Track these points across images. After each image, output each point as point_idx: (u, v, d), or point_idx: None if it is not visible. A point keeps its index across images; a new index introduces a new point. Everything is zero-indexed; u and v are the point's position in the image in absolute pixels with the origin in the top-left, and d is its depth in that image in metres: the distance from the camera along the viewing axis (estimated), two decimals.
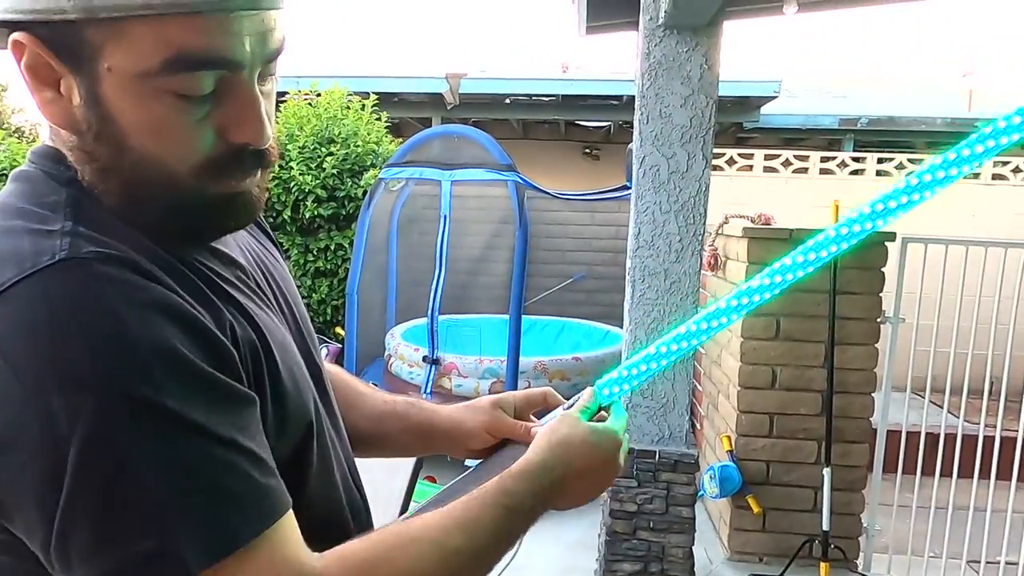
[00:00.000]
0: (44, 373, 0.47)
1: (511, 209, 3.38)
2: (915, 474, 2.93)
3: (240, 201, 0.60)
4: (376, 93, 5.08)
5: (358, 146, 4.56)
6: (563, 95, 6.25)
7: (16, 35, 0.52)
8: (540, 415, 0.84)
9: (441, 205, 3.55)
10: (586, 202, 4.54)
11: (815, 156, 5.22)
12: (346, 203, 4.53)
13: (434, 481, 3.50)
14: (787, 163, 5.20)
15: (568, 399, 0.81)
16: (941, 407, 3.13)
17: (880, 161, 5.32)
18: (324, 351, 4.27)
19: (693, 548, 2.24)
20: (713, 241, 3.21)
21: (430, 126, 5.54)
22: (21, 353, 0.48)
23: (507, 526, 0.64)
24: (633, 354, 0.77)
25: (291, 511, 0.55)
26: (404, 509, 1.79)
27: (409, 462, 1.83)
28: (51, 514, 0.47)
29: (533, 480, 0.67)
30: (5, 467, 0.48)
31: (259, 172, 0.61)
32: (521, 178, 3.34)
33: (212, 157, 0.56)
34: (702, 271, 3.49)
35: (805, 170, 5.21)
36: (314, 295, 4.65)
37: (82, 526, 0.47)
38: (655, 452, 2.16)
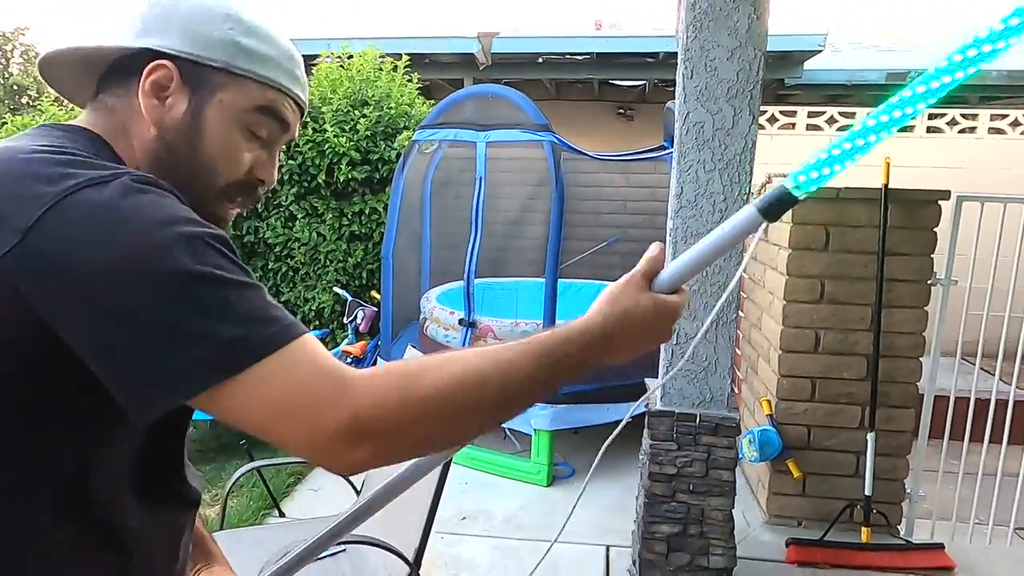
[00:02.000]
0: (146, 219, 0.61)
1: (547, 170, 3.32)
2: (962, 440, 2.86)
3: (219, 220, 0.80)
4: (408, 54, 5.01)
5: (391, 108, 4.52)
6: (597, 53, 6.09)
7: (166, 62, 0.73)
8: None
9: (476, 167, 3.51)
10: (621, 163, 4.45)
11: (861, 113, 5.01)
12: (380, 166, 4.51)
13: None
14: (832, 120, 5.01)
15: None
16: (992, 373, 3.03)
17: (932, 117, 5.08)
18: (361, 314, 4.31)
19: (732, 511, 2.23)
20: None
21: (462, 87, 5.45)
22: (132, 208, 0.61)
23: (544, 376, 0.68)
24: (832, 148, 0.71)
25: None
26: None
27: None
28: (148, 315, 0.58)
29: (582, 343, 0.71)
30: (119, 284, 0.58)
31: (250, 203, 0.83)
32: (557, 138, 3.27)
33: (239, 180, 0.79)
34: None
35: (850, 126, 5.02)
36: (349, 259, 4.67)
37: (172, 321, 0.58)
38: (696, 415, 2.14)
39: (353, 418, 0.59)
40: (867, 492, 2.68)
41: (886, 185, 2.60)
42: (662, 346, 2.19)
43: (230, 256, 0.64)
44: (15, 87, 13.59)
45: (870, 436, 2.67)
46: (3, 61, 13.77)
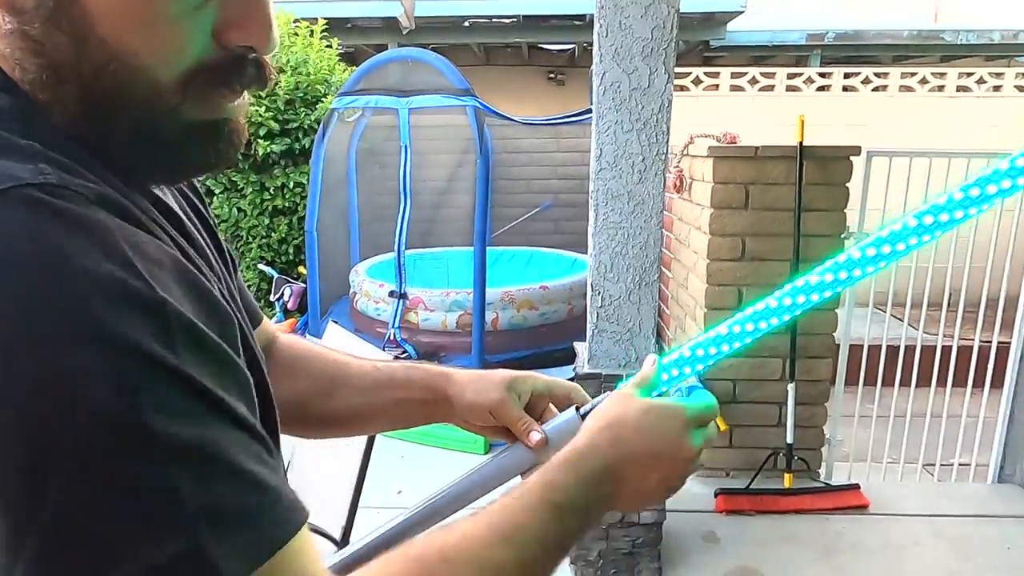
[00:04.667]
0: (37, 319, 0.35)
1: (472, 137, 3.26)
2: (875, 385, 3.01)
3: (226, 129, 0.48)
4: (325, 19, 4.80)
5: (309, 74, 4.34)
6: (524, 15, 6.00)
7: None
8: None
9: (400, 135, 3.41)
10: (550, 127, 4.42)
11: (781, 73, 5.13)
12: (300, 136, 4.34)
13: None
14: (753, 81, 5.10)
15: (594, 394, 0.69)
16: (902, 320, 3.19)
17: (847, 76, 5.24)
18: (288, 291, 4.18)
19: None
20: (679, 162, 3.15)
21: None
22: (12, 293, 0.35)
23: (558, 528, 0.52)
24: (705, 331, 0.68)
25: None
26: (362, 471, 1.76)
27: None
28: (39, 501, 0.35)
29: (580, 468, 0.55)
30: None
31: (251, 91, 0.49)
32: (480, 103, 3.21)
33: (205, 63, 0.44)
34: (667, 193, 3.45)
35: (772, 88, 5.12)
36: (273, 234, 4.52)
37: (90, 520, 0.35)
38: (622, 376, 2.15)
39: None
40: (789, 440, 2.80)
41: (801, 142, 2.66)
42: (588, 309, 2.19)
43: (202, 366, 0.39)
44: None
45: (790, 387, 2.77)
46: None
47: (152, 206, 0.48)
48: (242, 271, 3.90)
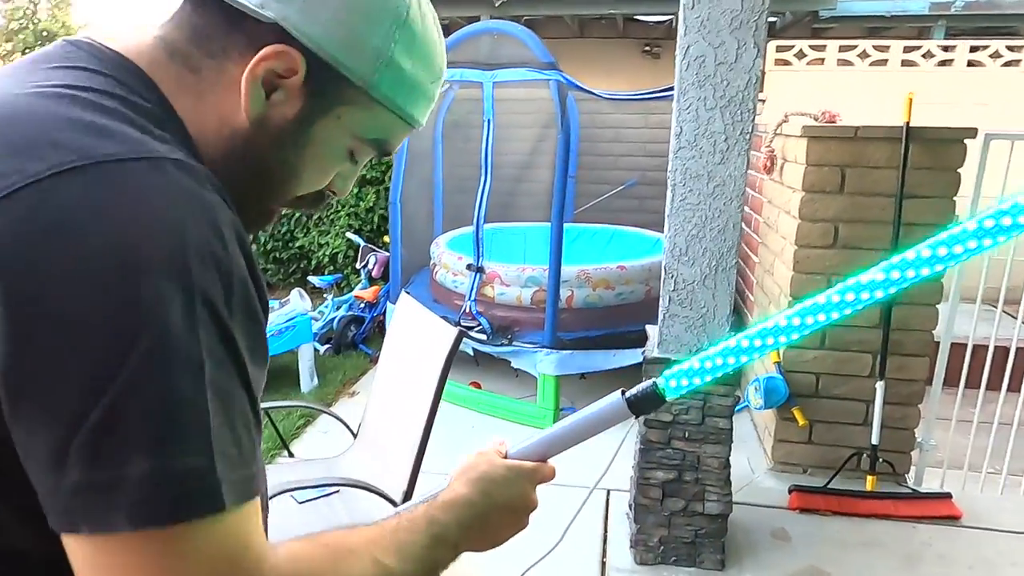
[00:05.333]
0: (143, 255, 0.44)
1: (555, 112, 3.21)
2: (979, 388, 2.78)
3: (273, 220, 0.69)
4: None
5: None
6: None
7: (294, 50, 0.56)
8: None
9: (484, 109, 3.41)
10: (640, 103, 4.28)
11: (897, 46, 4.72)
12: None
13: (479, 387, 3.57)
14: (864, 55, 4.73)
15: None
16: (1015, 318, 2.91)
17: (973, 50, 4.76)
18: (373, 259, 4.31)
19: (730, 458, 2.20)
20: (770, 142, 2.98)
21: None
22: (125, 229, 0.44)
23: (432, 555, 0.65)
24: (711, 345, 0.69)
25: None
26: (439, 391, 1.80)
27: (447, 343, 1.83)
28: (97, 398, 0.42)
29: (459, 511, 0.68)
30: (57, 340, 0.42)
31: (309, 211, 0.72)
32: (564, 77, 3.15)
33: (311, 194, 0.66)
34: (758, 174, 3.29)
35: (884, 63, 4.73)
36: (361, 203, 4.66)
37: (133, 420, 0.43)
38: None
39: None
40: (874, 441, 2.64)
41: (908, 123, 2.46)
42: (661, 293, 2.13)
43: (246, 327, 0.50)
44: (44, 32, 13.65)
45: (880, 384, 2.60)
46: (32, 6, 13.79)
47: None
48: (331, 238, 4.07)
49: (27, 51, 12.53)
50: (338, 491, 1.98)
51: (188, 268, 0.45)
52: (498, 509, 0.70)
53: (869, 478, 2.66)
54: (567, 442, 0.75)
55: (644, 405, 0.71)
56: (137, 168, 0.46)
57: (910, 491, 2.68)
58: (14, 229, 0.43)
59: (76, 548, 0.45)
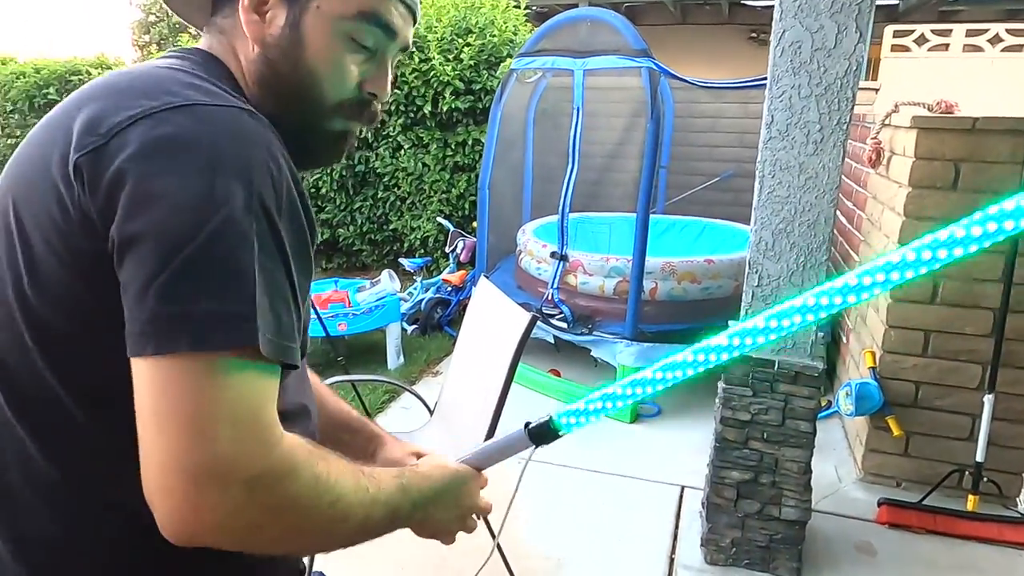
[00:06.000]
0: (226, 161, 0.59)
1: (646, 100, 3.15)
2: None
3: (346, 144, 0.79)
4: None
5: (494, 36, 4.44)
6: None
7: None
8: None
9: (574, 96, 3.39)
10: (739, 91, 4.12)
11: None
12: (483, 96, 4.49)
13: (559, 375, 3.58)
14: (996, 39, 4.32)
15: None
16: None
17: None
18: (461, 244, 4.41)
19: (813, 464, 2.11)
20: (878, 133, 2.80)
21: None
22: (217, 144, 0.60)
23: (396, 503, 0.72)
24: (601, 387, 0.79)
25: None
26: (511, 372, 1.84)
27: (515, 336, 1.86)
28: (178, 253, 0.56)
29: (431, 478, 0.79)
30: (158, 211, 0.57)
31: (367, 122, 0.78)
32: (656, 64, 3.08)
33: (350, 99, 0.75)
34: (864, 167, 3.09)
35: (1020, 47, 4.30)
36: (453, 190, 4.76)
37: (201, 272, 0.56)
38: (774, 362, 2.02)
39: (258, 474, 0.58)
40: (979, 458, 2.44)
41: None
42: (744, 288, 2.06)
43: (297, 227, 0.64)
44: (178, 25, 14.73)
45: (988, 398, 2.40)
46: None
47: None
48: (423, 222, 4.19)
49: (163, 41, 13.56)
50: None
51: (250, 175, 0.59)
52: (448, 493, 0.81)
53: (971, 498, 2.46)
54: (482, 464, 0.87)
55: (542, 437, 0.83)
56: (220, 111, 0.62)
57: (1019, 515, 2.46)
58: (140, 139, 0.59)
59: (140, 370, 0.57)
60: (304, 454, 0.62)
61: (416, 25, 0.79)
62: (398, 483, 0.73)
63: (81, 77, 6.21)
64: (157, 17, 14.63)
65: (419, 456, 0.98)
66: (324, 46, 0.71)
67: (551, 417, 0.82)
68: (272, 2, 0.70)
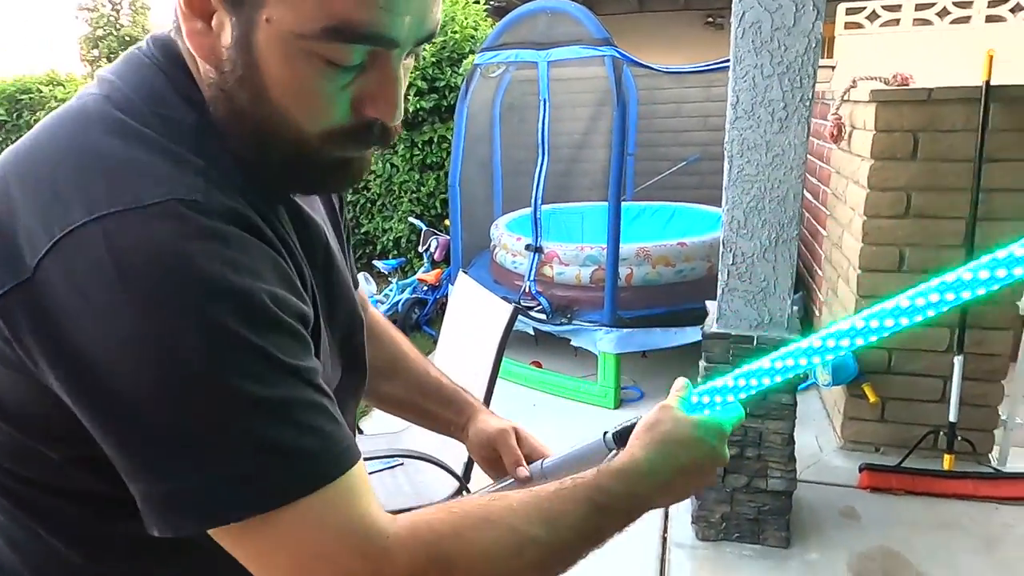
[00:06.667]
0: (159, 299, 0.48)
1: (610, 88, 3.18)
2: None
3: (353, 167, 0.61)
4: None
5: (455, 32, 4.44)
6: None
7: None
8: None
9: (540, 89, 3.41)
10: (700, 75, 4.18)
11: (981, 0, 4.41)
12: (447, 93, 4.48)
13: (540, 366, 3.60)
14: (944, 12, 4.44)
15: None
16: None
17: None
18: (435, 243, 4.40)
19: (796, 435, 2.16)
20: (837, 109, 2.86)
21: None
22: (142, 276, 0.48)
23: (595, 524, 0.60)
24: (748, 361, 0.69)
25: (362, 463, 0.55)
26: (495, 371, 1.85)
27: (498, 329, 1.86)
28: (147, 425, 0.48)
29: (635, 480, 0.63)
30: (116, 379, 0.48)
31: (379, 146, 0.60)
32: (619, 52, 3.11)
33: (342, 126, 0.56)
34: (826, 143, 3.16)
35: (967, 19, 4.43)
36: (423, 189, 4.74)
37: (175, 443, 0.49)
38: (753, 338, 2.06)
39: None
40: (952, 419, 2.52)
41: (987, 82, 2.31)
42: (719, 267, 2.10)
43: (286, 343, 0.52)
44: (127, 38, 14.40)
45: (958, 359, 2.48)
46: (114, 13, 14.58)
47: (286, 207, 0.62)
48: (394, 223, 4.16)
49: (112, 56, 13.25)
50: (402, 463, 2.05)
51: (201, 306, 0.48)
52: (683, 471, 0.65)
53: (947, 457, 2.55)
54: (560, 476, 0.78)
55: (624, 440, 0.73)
56: (140, 219, 0.48)
57: (993, 471, 2.55)
58: (59, 275, 0.48)
59: (223, 538, 0.51)
60: (422, 536, 0.54)
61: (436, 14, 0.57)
62: (590, 503, 0.61)
63: (32, 96, 6.04)
64: (105, 31, 14.30)
65: (521, 429, 0.89)
66: (286, 73, 0.52)
67: (634, 421, 0.74)
68: (216, 7, 0.52)
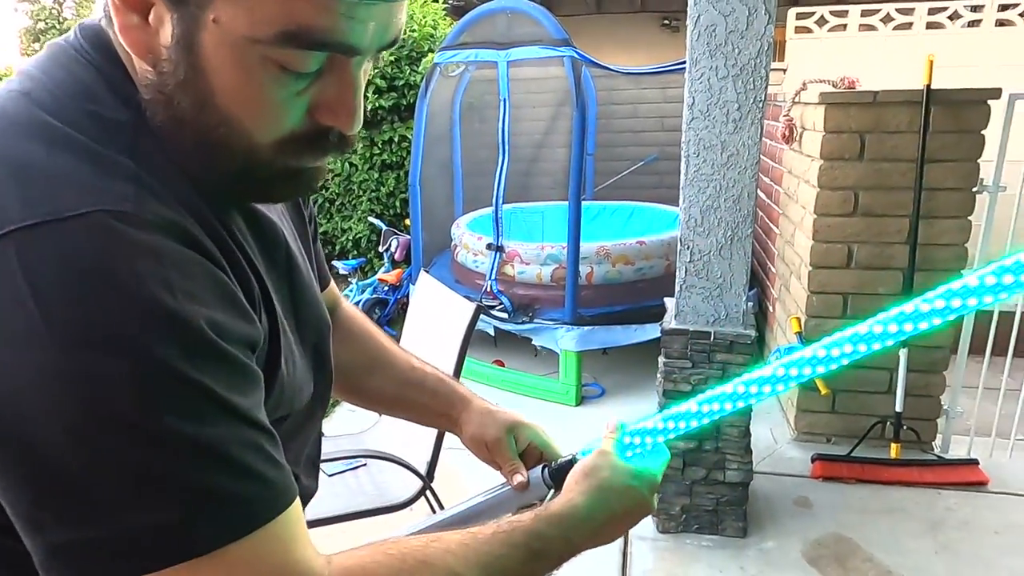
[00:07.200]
0: (83, 326, 0.42)
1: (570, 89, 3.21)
2: (1006, 356, 2.74)
3: (306, 176, 0.57)
4: None
5: (414, 31, 4.42)
6: None
7: None
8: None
9: (499, 88, 3.42)
10: (657, 77, 4.25)
11: (922, 8, 4.60)
12: (407, 92, 4.46)
13: (503, 365, 3.61)
14: (888, 19, 4.62)
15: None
16: None
17: (1003, 8, 4.62)
18: (395, 242, 4.37)
19: (751, 428, 2.22)
20: (789, 111, 2.95)
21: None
22: (61, 299, 0.42)
23: (530, 569, 0.61)
24: (672, 405, 0.71)
25: (298, 503, 0.52)
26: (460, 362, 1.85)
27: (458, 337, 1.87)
28: (61, 470, 0.43)
29: (571, 526, 0.64)
30: (26, 418, 0.43)
31: (335, 153, 0.56)
32: (578, 53, 3.14)
33: (296, 134, 0.52)
34: (778, 144, 3.26)
35: (909, 26, 4.62)
36: (382, 188, 4.71)
37: (98, 487, 0.43)
38: (710, 333, 2.11)
39: None
40: (898, 408, 2.63)
41: (928, 85, 2.42)
42: (677, 264, 2.15)
43: (215, 374, 0.46)
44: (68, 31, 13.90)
45: (902, 352, 2.59)
46: (57, 5, 14.07)
47: (240, 210, 0.58)
48: (353, 223, 4.11)
49: None
50: (365, 464, 2.04)
51: (129, 335, 0.43)
52: (615, 519, 0.67)
53: (893, 446, 2.65)
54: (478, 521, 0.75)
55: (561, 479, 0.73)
56: (59, 233, 0.43)
57: (935, 458, 2.67)
58: None
59: None
60: (376, 574, 0.53)
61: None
62: (527, 549, 0.61)
63: None
64: (47, 24, 13.78)
65: (518, 425, 0.86)
66: (236, 78, 0.48)
67: (574, 456, 0.74)
68: (155, 1, 0.48)
